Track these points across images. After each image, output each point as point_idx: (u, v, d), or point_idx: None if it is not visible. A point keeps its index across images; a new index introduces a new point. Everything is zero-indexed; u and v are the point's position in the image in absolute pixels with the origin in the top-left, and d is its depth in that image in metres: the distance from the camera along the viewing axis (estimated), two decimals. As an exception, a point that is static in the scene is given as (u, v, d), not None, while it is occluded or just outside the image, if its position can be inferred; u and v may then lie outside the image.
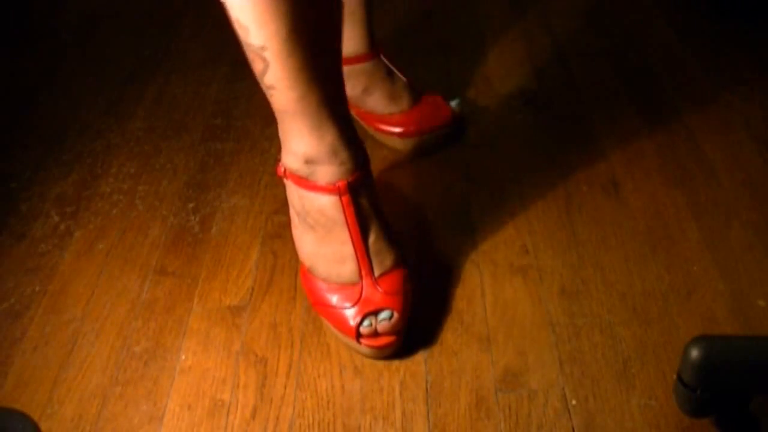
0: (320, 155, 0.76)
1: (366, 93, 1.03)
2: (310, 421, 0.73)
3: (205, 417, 0.75)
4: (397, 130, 1.03)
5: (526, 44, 1.24)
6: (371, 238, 0.79)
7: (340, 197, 0.77)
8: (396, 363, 0.78)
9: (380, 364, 0.78)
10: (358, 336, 0.77)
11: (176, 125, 1.16)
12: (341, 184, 0.77)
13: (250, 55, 0.72)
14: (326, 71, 0.74)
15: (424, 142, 1.03)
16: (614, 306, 0.80)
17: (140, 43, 1.38)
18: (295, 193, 0.79)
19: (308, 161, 0.76)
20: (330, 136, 0.75)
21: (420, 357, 0.78)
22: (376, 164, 0.95)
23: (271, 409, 0.75)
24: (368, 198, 0.79)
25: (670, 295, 0.81)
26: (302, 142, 0.76)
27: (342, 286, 0.79)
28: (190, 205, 1.00)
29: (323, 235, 0.79)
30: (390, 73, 1.04)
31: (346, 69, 0.89)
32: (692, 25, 1.24)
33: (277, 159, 0.81)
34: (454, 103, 1.06)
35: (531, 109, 1.10)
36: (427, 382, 0.76)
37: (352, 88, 1.02)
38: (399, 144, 1.04)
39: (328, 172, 0.77)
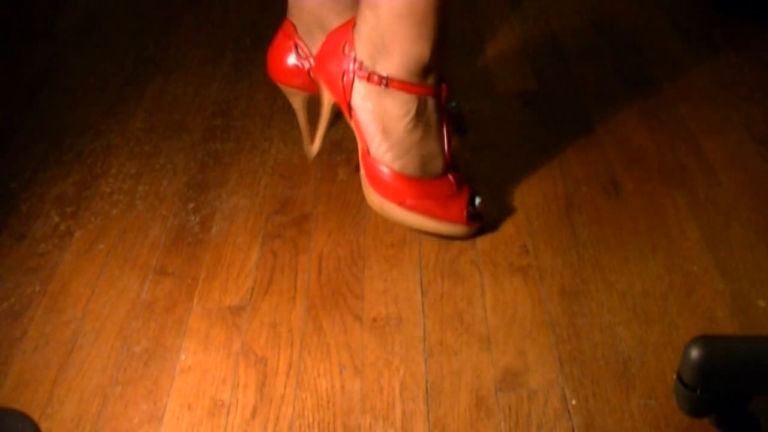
0: (434, 58, 0.83)
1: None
2: (310, 421, 0.73)
3: (205, 417, 0.75)
4: None
5: (526, 44, 1.24)
6: None
7: (441, 98, 0.87)
8: (396, 363, 0.78)
9: (380, 364, 0.78)
10: (470, 218, 0.88)
11: (176, 125, 1.16)
12: (444, 86, 0.87)
13: None
14: None
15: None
16: (614, 306, 0.80)
17: (140, 43, 1.38)
18: (399, 99, 0.85)
19: (425, 66, 0.84)
20: (441, 39, 0.83)
21: (420, 357, 0.78)
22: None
23: (271, 409, 0.75)
24: None
25: (670, 295, 0.81)
26: (427, 45, 0.82)
27: (435, 180, 0.88)
28: (190, 205, 1.00)
29: (423, 135, 0.86)
30: None
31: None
32: (692, 25, 1.24)
33: (361, 71, 0.86)
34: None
35: (531, 109, 1.10)
36: (427, 382, 0.76)
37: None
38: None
39: (436, 76, 0.85)
